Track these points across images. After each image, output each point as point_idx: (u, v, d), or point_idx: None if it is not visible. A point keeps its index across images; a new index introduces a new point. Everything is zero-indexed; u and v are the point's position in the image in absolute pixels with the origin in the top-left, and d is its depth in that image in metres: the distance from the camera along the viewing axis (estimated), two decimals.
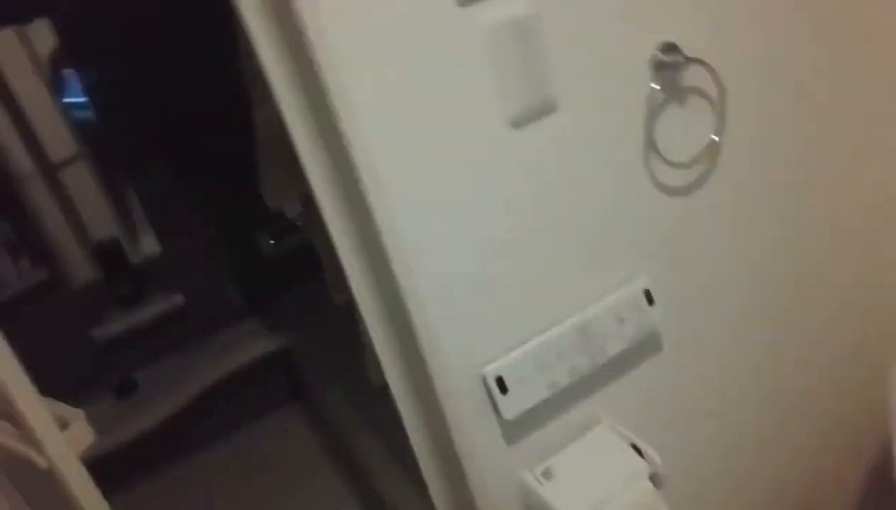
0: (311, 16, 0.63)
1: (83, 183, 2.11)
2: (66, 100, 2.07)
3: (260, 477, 2.14)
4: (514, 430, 0.82)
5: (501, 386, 0.78)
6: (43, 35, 1.98)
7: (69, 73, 2.06)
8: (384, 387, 0.82)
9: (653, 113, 0.82)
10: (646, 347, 0.89)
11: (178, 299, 2.26)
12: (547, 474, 0.84)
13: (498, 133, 0.74)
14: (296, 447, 2.22)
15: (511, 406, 0.79)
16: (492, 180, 0.75)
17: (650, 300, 0.86)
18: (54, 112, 2.03)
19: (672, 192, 0.86)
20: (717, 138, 0.86)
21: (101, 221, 2.15)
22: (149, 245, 2.23)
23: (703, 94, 0.85)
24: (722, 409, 1.00)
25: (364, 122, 0.67)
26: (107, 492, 0.90)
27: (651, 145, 0.83)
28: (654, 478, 0.84)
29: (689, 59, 0.81)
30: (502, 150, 0.75)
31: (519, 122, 0.75)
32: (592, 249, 0.83)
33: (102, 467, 0.99)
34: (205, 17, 1.76)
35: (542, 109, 0.76)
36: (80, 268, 2.15)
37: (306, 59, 0.65)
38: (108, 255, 2.17)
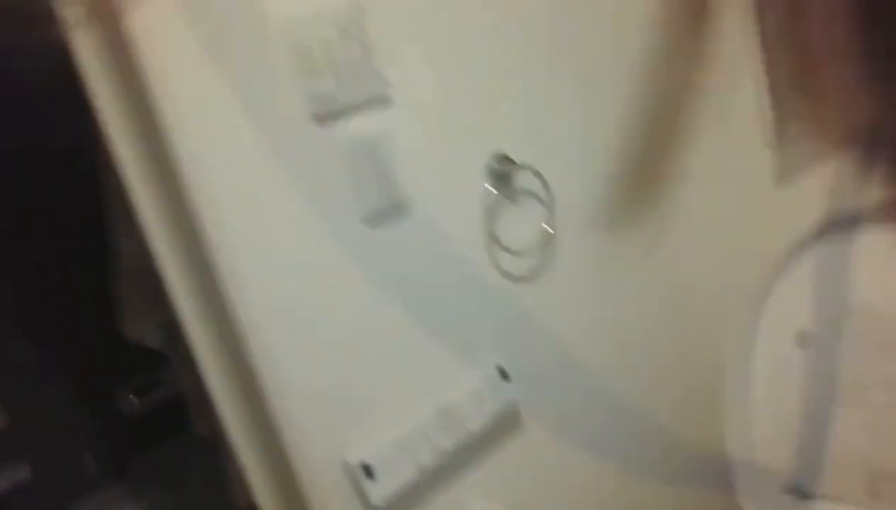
0: (180, 140, 0.70)
1: None
2: None
3: None
4: None
5: (368, 472, 0.81)
6: None
7: None
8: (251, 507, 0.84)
9: (491, 212, 0.93)
10: (506, 423, 0.96)
11: (23, 471, 1.96)
12: None
13: (355, 235, 0.82)
14: None
15: (379, 491, 0.82)
16: (350, 278, 0.82)
17: (505, 376, 0.93)
18: None
19: (516, 279, 0.97)
20: (550, 230, 0.98)
21: None
22: None
23: (534, 195, 0.98)
24: (584, 472, 1.07)
25: (229, 231, 0.73)
26: None
27: (493, 239, 0.94)
28: None
29: (519, 166, 0.94)
30: (359, 251, 0.82)
31: (374, 223, 0.83)
32: (448, 336, 0.90)
33: None
34: (64, 152, 1.61)
35: (395, 211, 0.85)
36: None
37: (172, 176, 0.71)
38: None
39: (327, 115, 0.79)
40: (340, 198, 0.81)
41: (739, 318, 1.07)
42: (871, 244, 0.97)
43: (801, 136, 1.03)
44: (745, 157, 1.22)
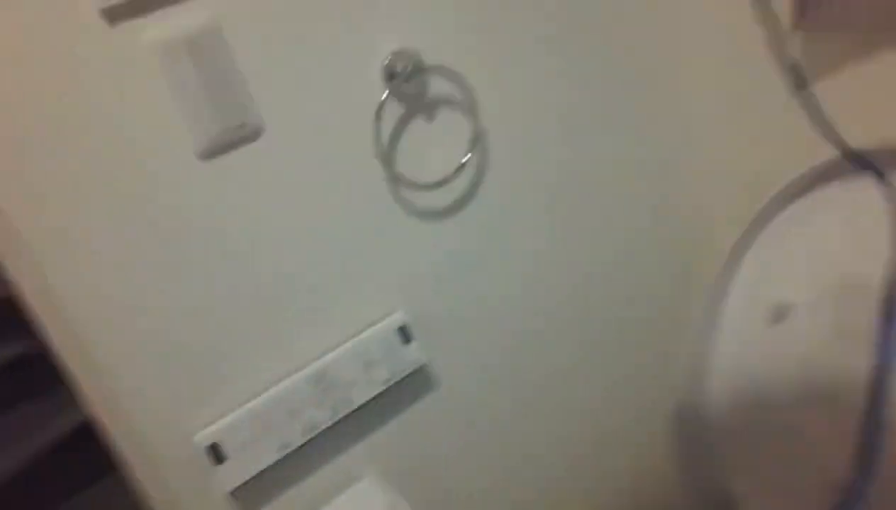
0: None
1: None
2: None
3: None
4: (245, 502, 0.72)
5: (217, 454, 0.68)
6: None
7: None
8: None
9: (390, 131, 0.73)
10: (408, 387, 0.80)
11: None
12: None
13: (191, 170, 0.64)
14: None
15: (230, 476, 0.68)
16: (187, 223, 0.65)
17: (406, 338, 0.77)
18: None
19: (424, 216, 0.77)
20: (469, 155, 0.77)
21: None
22: None
23: (449, 105, 0.76)
24: (495, 436, 0.91)
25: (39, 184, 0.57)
26: None
27: (390, 167, 0.74)
28: None
29: (429, 68, 0.72)
30: (197, 189, 0.65)
31: (213, 154, 0.65)
32: (327, 291, 0.73)
33: None
34: None
35: (243, 137, 0.66)
36: None
37: None
38: None
39: (125, 9, 0.59)
40: (164, 122, 0.62)
41: (702, 284, 0.85)
42: (861, 200, 0.73)
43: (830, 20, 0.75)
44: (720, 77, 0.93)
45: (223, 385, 0.69)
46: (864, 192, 0.75)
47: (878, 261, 0.72)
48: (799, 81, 0.77)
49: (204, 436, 0.67)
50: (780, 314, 0.81)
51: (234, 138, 0.65)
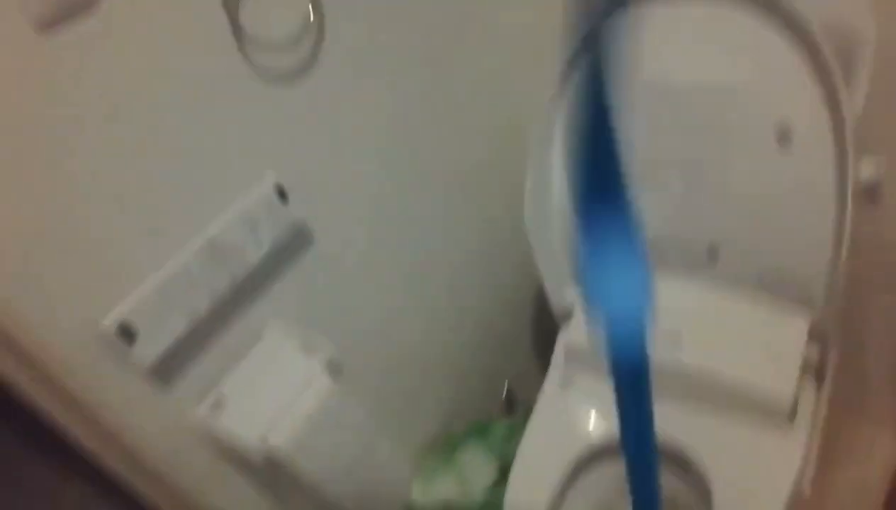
0: None
1: None
2: None
3: None
4: (163, 374, 0.74)
5: (127, 334, 0.68)
6: None
7: None
8: None
9: None
10: (293, 245, 0.85)
11: None
12: (219, 403, 0.79)
13: (26, 41, 0.59)
14: None
15: (146, 351, 0.70)
16: (36, 98, 0.61)
17: (283, 196, 0.81)
18: None
19: (278, 79, 0.79)
20: (312, 14, 0.79)
21: None
22: None
23: None
24: (387, 279, 1.02)
25: None
26: None
27: (238, 30, 0.73)
28: (332, 371, 0.84)
29: None
30: (38, 63, 0.60)
31: (50, 24, 0.60)
32: (202, 159, 0.73)
33: None
34: None
35: (77, 4, 0.62)
36: None
37: None
38: None
39: None
40: None
41: (540, 94, 0.98)
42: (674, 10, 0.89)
43: None
44: None
45: (120, 268, 0.68)
46: None
47: None
48: None
49: (111, 318, 0.67)
50: None
51: (70, 6, 0.61)
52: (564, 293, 1.10)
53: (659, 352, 0.95)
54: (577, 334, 1.06)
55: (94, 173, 0.65)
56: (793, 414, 0.91)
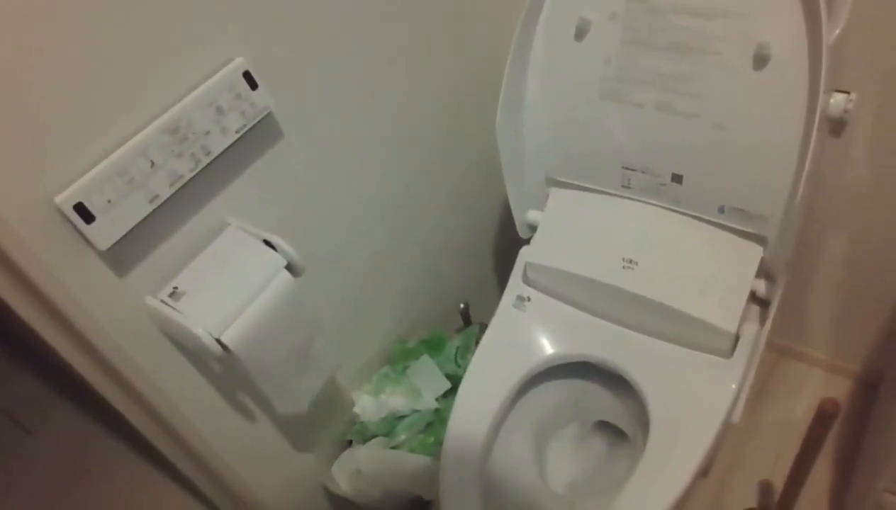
0: None
1: None
2: None
3: None
4: (121, 259, 0.72)
5: (85, 214, 0.66)
6: None
7: None
8: None
9: None
10: (261, 135, 0.82)
11: None
12: (175, 295, 0.77)
13: None
14: None
15: (103, 234, 0.67)
16: None
17: (252, 84, 0.77)
18: None
19: None
20: None
21: None
22: None
23: None
24: (352, 182, 1.00)
25: None
26: None
27: None
28: (292, 268, 0.83)
29: None
30: None
31: None
32: (167, 38, 0.69)
33: None
34: None
35: None
36: None
37: None
38: None
39: None
40: None
41: (517, 5, 0.96)
42: None
43: None
44: None
45: (75, 144, 0.65)
46: None
47: None
48: None
49: (66, 197, 0.64)
50: (579, 32, 0.95)
51: None
52: (528, 210, 1.10)
53: (613, 274, 0.99)
54: (535, 252, 1.07)
55: (54, 42, 0.61)
56: (734, 345, 0.95)
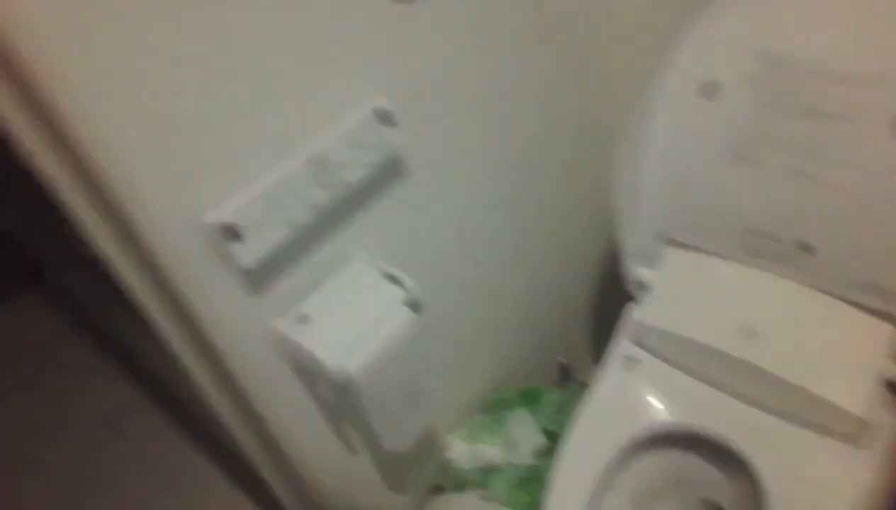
0: None
1: None
2: None
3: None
4: (257, 278, 0.75)
5: (233, 232, 0.69)
6: None
7: None
8: None
9: None
10: (390, 173, 0.85)
11: None
12: (302, 318, 0.79)
13: None
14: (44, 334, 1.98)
15: (248, 252, 0.71)
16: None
17: (388, 121, 0.80)
18: None
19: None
20: None
21: None
22: None
23: None
24: (469, 225, 1.01)
25: None
26: None
27: None
28: (413, 305, 0.84)
29: None
30: None
31: None
32: (314, 72, 0.73)
33: None
34: None
35: None
36: None
37: None
38: None
39: None
40: None
41: (643, 61, 0.96)
42: None
43: None
44: None
45: (229, 165, 0.69)
46: None
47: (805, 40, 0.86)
48: None
49: (219, 215, 0.68)
50: (710, 91, 0.94)
51: None
52: (640, 267, 1.08)
53: (730, 343, 0.94)
54: (648, 312, 1.04)
55: (211, 74, 0.65)
56: (862, 432, 0.89)
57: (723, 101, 0.94)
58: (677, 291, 1.04)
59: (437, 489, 1.10)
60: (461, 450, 1.09)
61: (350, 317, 0.80)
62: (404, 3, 0.78)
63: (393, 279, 0.83)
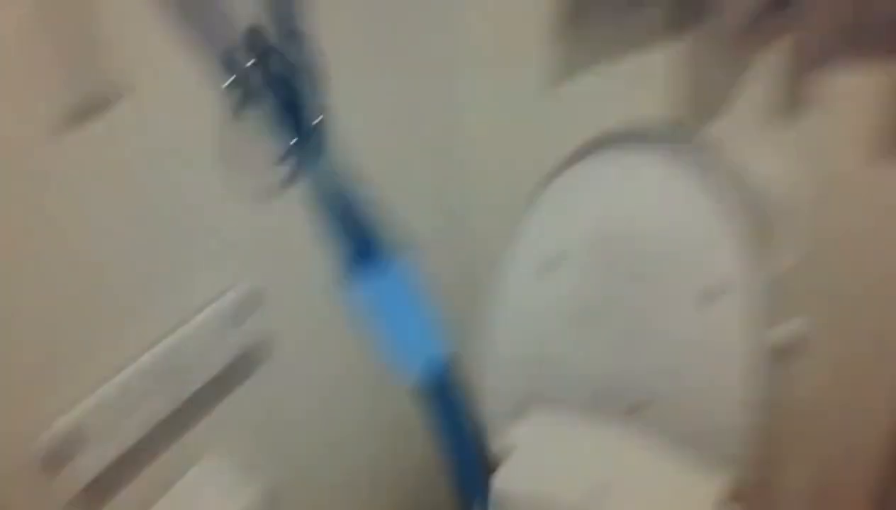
0: None
1: None
2: None
3: None
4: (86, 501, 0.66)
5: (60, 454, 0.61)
6: None
7: None
8: None
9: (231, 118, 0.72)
10: (251, 361, 0.81)
11: None
12: None
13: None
14: None
15: (67, 483, 0.62)
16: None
17: (245, 313, 0.77)
18: None
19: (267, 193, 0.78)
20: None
21: None
22: None
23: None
24: (335, 407, 0.99)
25: None
26: None
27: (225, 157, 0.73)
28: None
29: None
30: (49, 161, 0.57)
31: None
32: (168, 262, 0.70)
33: None
34: None
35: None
36: None
37: None
38: None
39: None
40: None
41: (500, 239, 1.03)
42: (635, 163, 0.96)
43: None
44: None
45: (53, 383, 0.62)
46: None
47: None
48: None
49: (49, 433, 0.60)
50: (551, 265, 1.01)
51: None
52: (501, 436, 1.09)
53: (589, 501, 0.96)
54: (506, 478, 1.04)
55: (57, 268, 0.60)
56: None
57: (564, 272, 1.01)
58: (535, 455, 1.06)
59: None
60: None
61: None
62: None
63: (235, 490, 0.77)
